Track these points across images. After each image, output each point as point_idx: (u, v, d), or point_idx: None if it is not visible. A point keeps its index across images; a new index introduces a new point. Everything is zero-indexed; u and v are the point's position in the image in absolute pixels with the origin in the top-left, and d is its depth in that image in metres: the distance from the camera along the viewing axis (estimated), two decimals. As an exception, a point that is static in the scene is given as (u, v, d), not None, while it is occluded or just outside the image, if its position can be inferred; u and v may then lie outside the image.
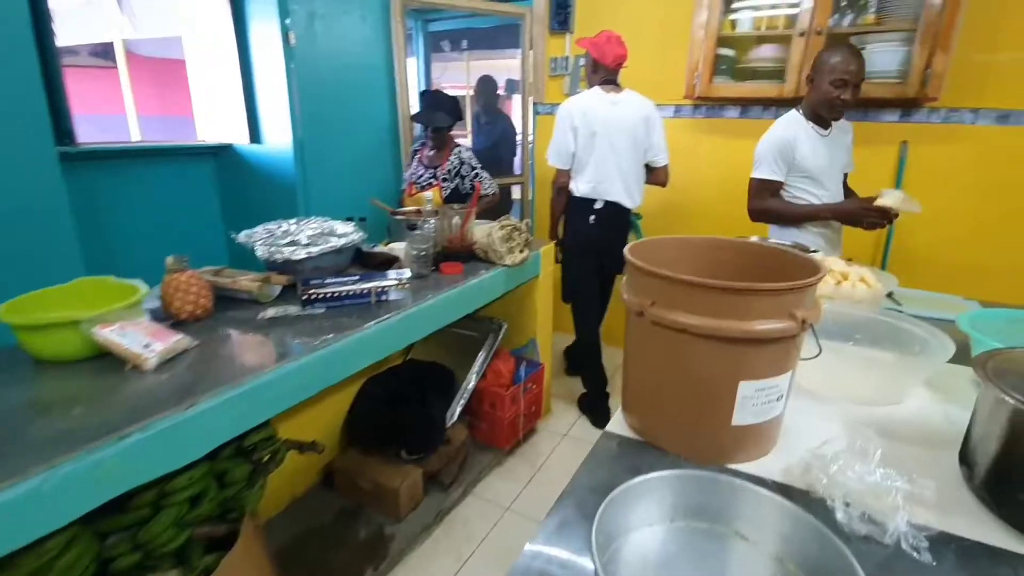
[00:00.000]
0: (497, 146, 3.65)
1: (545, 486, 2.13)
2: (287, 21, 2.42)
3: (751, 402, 0.74)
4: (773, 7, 2.31)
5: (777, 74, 2.30)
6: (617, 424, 0.89)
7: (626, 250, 0.81)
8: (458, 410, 2.05)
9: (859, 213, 1.77)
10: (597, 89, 2.32)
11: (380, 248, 1.92)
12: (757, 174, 1.93)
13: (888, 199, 1.69)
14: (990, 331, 1.04)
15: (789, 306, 0.70)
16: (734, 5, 2.39)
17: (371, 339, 1.41)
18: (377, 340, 1.44)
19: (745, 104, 2.59)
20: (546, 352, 2.46)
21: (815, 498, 0.71)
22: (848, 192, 2.08)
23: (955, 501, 0.71)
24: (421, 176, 2.59)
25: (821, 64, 1.80)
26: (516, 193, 3.58)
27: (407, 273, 1.58)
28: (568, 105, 2.34)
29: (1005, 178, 2.21)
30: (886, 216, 1.73)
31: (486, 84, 3.69)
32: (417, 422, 1.91)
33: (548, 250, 2.31)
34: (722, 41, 2.40)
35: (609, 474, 0.77)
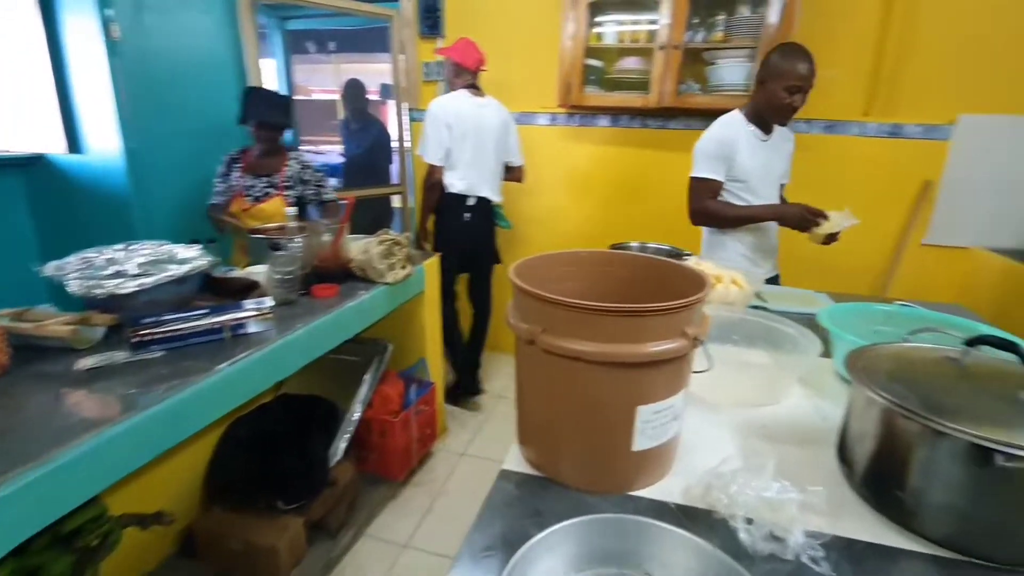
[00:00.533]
0: (371, 153, 3.46)
1: (446, 514, 2.01)
2: (108, 12, 2.06)
3: (650, 426, 0.70)
4: (634, 22, 2.42)
5: (642, 85, 2.41)
6: (514, 460, 0.81)
7: (512, 273, 0.73)
8: (343, 445, 1.86)
9: (801, 216, 1.72)
10: (464, 92, 2.41)
11: (237, 273, 1.68)
12: (696, 172, 1.84)
13: (834, 223, 1.68)
14: (844, 324, 1.12)
15: (681, 324, 0.67)
16: (598, 18, 2.47)
17: (226, 383, 1.20)
18: (235, 383, 1.23)
19: (615, 113, 2.69)
20: (437, 370, 2.34)
21: (718, 518, 0.68)
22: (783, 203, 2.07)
23: (841, 502, 0.72)
24: (252, 187, 2.27)
25: (773, 68, 1.70)
26: (396, 202, 3.43)
27: (269, 301, 1.38)
28: (440, 104, 2.39)
29: (833, 180, 2.51)
30: (833, 238, 1.71)
31: (354, 88, 3.48)
32: (294, 466, 1.70)
33: (432, 264, 2.20)
34: (590, 52, 2.47)
35: (507, 525, 0.68)
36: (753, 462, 0.72)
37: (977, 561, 0.62)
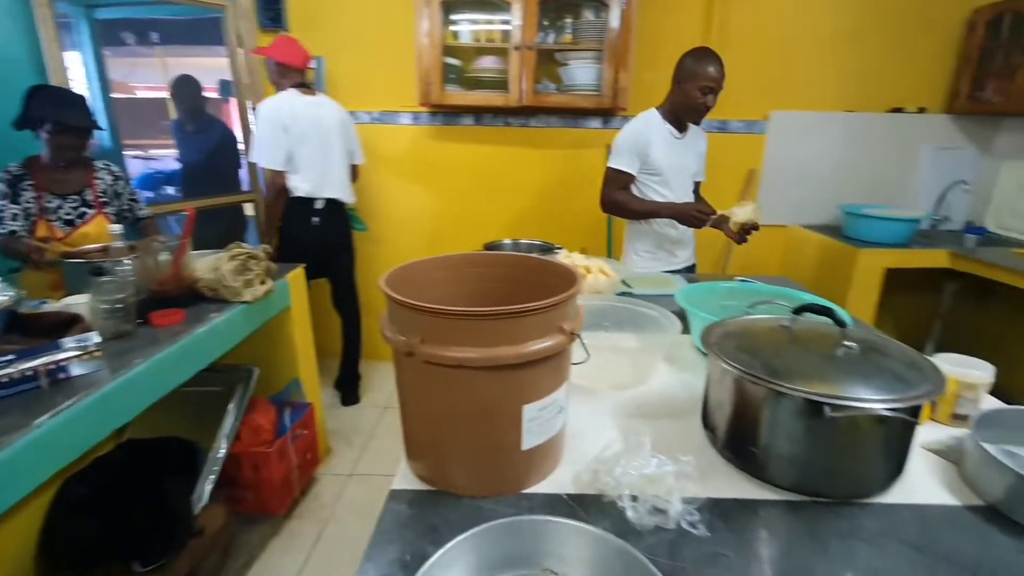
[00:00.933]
0: (215, 158, 3.10)
1: (337, 541, 1.89)
2: None
3: (536, 423, 0.71)
4: (488, 22, 2.46)
5: (501, 84, 2.46)
6: (404, 477, 0.78)
7: (383, 284, 0.70)
8: (208, 488, 1.65)
9: (692, 214, 1.81)
10: (293, 91, 2.29)
11: (52, 307, 1.41)
12: (611, 164, 1.92)
13: (740, 215, 1.79)
14: (697, 303, 1.24)
15: (557, 320, 0.69)
16: (453, 16, 2.47)
17: (50, 439, 1.01)
18: (60, 438, 1.03)
19: (478, 112, 2.71)
20: (313, 389, 2.19)
21: (607, 501, 0.71)
22: (698, 200, 2.18)
23: (709, 466, 0.80)
24: (58, 208, 1.86)
25: (687, 70, 1.81)
26: (250, 210, 3.12)
27: (95, 336, 1.18)
28: (272, 105, 2.25)
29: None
30: (748, 230, 1.81)
31: (186, 85, 3.09)
32: (149, 520, 1.47)
33: (298, 276, 2.04)
34: (447, 50, 2.45)
35: (403, 547, 0.65)
36: (632, 442, 0.76)
37: (819, 499, 0.72)
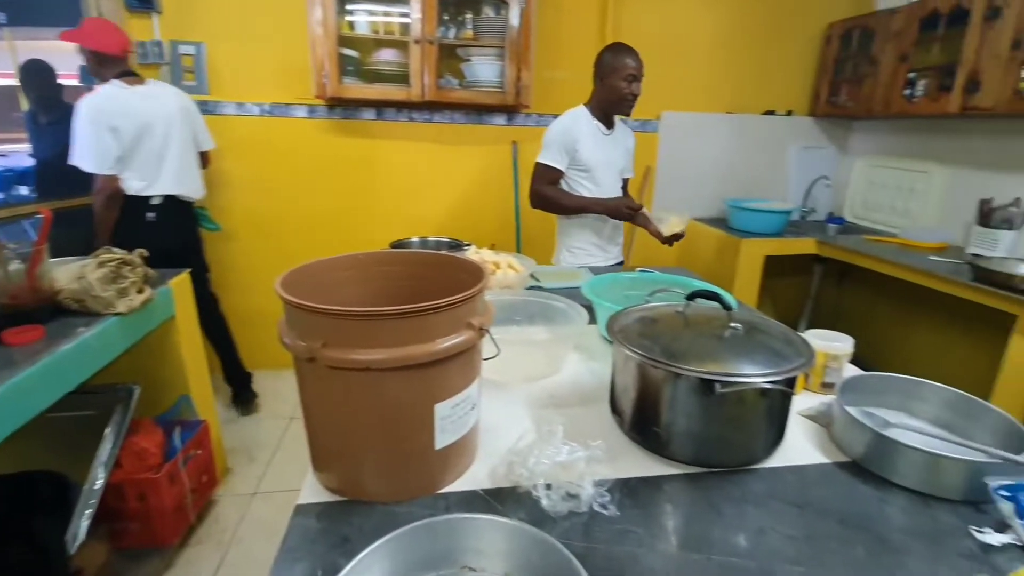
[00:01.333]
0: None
1: (242, 564, 1.76)
2: None
3: (449, 421, 0.70)
4: (386, 13, 2.39)
5: (402, 78, 2.40)
6: (311, 490, 0.74)
7: (278, 286, 0.65)
8: (85, 525, 1.47)
9: (622, 209, 1.90)
10: (118, 83, 2.05)
11: None
12: (541, 159, 1.94)
13: (675, 225, 1.87)
14: (602, 294, 1.29)
15: (466, 316, 0.68)
16: (349, 6, 2.37)
17: None
18: None
19: (379, 106, 2.63)
20: (206, 404, 2.02)
21: (523, 492, 0.72)
22: (625, 196, 2.20)
23: (618, 448, 0.83)
24: None
25: (608, 64, 1.87)
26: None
27: (-74, 363, 1.00)
28: (94, 104, 1.98)
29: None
30: (676, 238, 1.90)
31: (37, 72, 2.70)
32: (19, 565, 1.29)
33: (182, 281, 1.87)
34: (344, 41, 2.35)
35: (313, 563, 0.62)
36: (545, 431, 0.78)
37: (714, 470, 0.78)
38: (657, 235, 1.92)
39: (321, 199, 2.73)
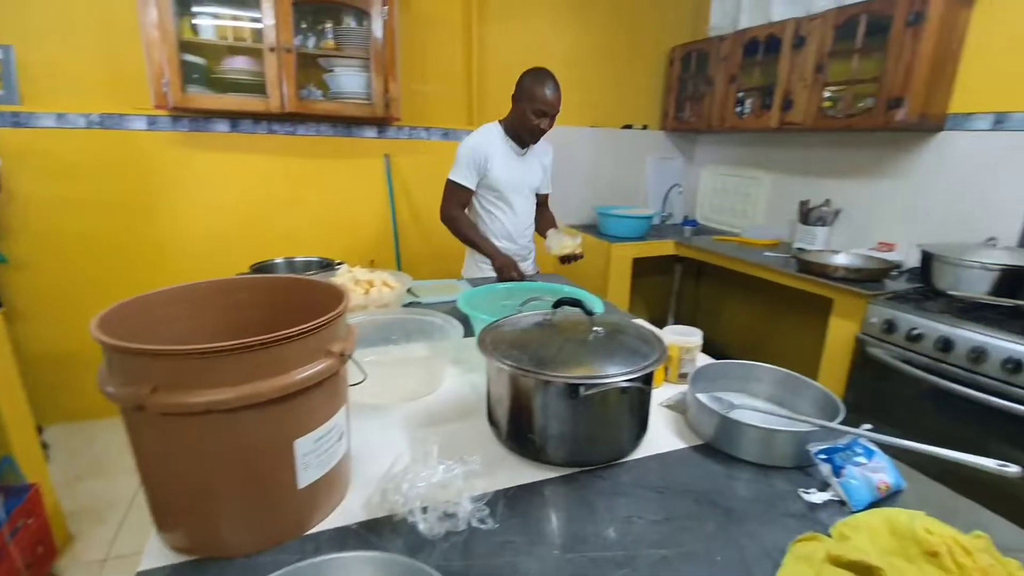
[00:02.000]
0: None
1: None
2: None
3: (313, 456, 0.66)
4: (235, 17, 2.22)
5: (258, 88, 2.24)
6: (157, 554, 0.65)
7: (94, 328, 0.57)
8: None
9: (506, 270, 1.80)
10: None
11: None
12: (451, 176, 1.89)
13: (568, 247, 1.82)
14: (477, 306, 1.30)
15: (324, 343, 0.65)
16: (193, 8, 2.16)
17: None
18: None
19: (234, 117, 2.43)
20: (35, 464, 1.71)
21: (399, 519, 0.70)
22: (544, 214, 2.15)
23: (496, 459, 0.84)
24: None
25: (524, 90, 1.80)
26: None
27: None
28: None
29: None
30: (571, 259, 1.85)
31: None
32: None
33: (-10, 325, 1.57)
34: (186, 47, 2.14)
35: (155, 641, 0.54)
36: (420, 452, 0.76)
37: (587, 468, 0.82)
38: (557, 259, 1.90)
39: (165, 221, 2.43)
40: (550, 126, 1.85)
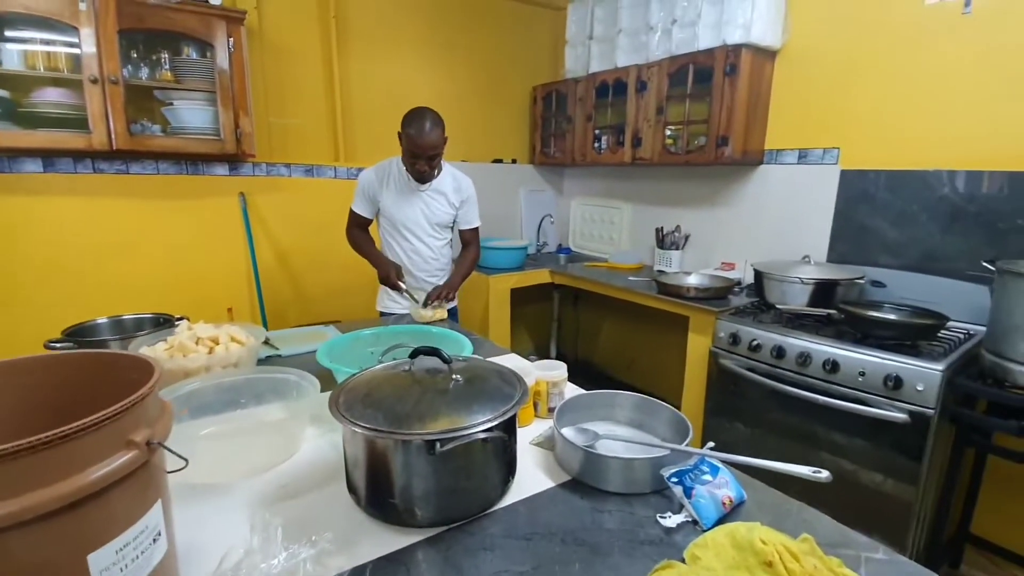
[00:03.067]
0: None
1: None
2: None
3: (116, 569, 0.55)
4: (46, 42, 1.94)
5: (78, 123, 1.97)
6: None
7: None
8: None
9: (385, 275, 1.90)
10: None
11: None
12: (352, 204, 1.99)
13: (427, 316, 1.81)
14: (342, 356, 1.23)
15: (127, 431, 0.55)
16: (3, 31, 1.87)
17: None
18: None
19: (47, 155, 2.10)
20: None
21: (236, 623, 0.61)
22: (465, 253, 2.09)
23: (356, 530, 0.77)
24: None
25: (401, 132, 1.79)
26: None
27: None
28: None
29: (314, 217, 2.75)
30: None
31: None
32: None
33: None
34: (-18, 77, 1.83)
35: None
36: (261, 537, 0.68)
37: (452, 526, 0.78)
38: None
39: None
40: (429, 166, 1.84)
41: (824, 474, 0.74)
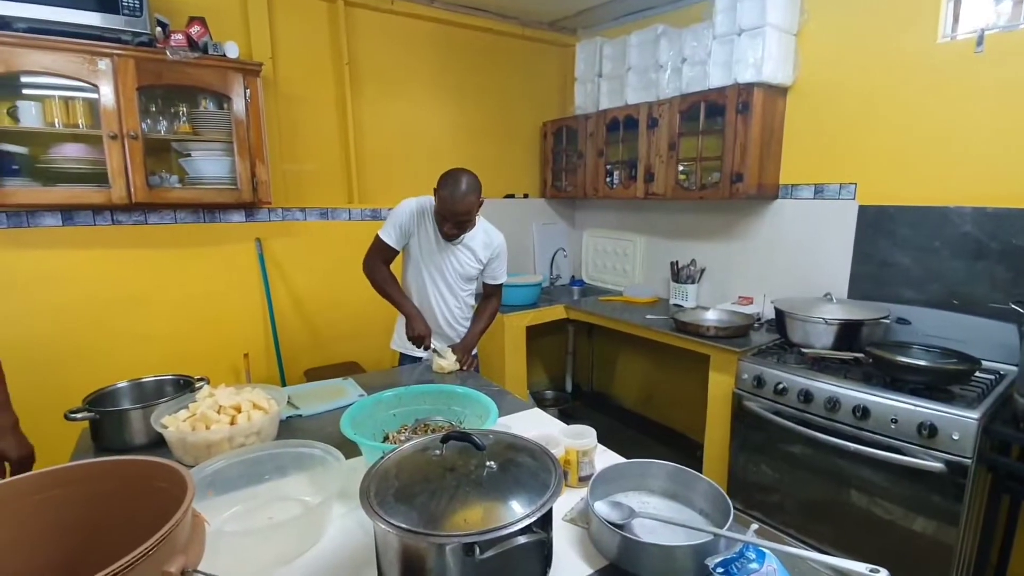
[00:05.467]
0: None
1: None
2: None
3: None
4: (65, 99, 1.97)
5: (98, 177, 1.99)
6: None
7: None
8: None
9: (413, 328, 1.83)
10: None
11: None
12: (380, 231, 1.87)
13: (446, 366, 1.80)
14: (364, 422, 1.21)
15: (162, 562, 0.53)
16: (15, 91, 1.90)
17: None
18: None
19: (66, 210, 2.12)
20: None
21: None
22: (485, 305, 2.05)
23: (388, 635, 0.74)
24: None
25: (436, 191, 1.75)
26: None
27: None
28: None
29: (332, 258, 2.75)
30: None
31: None
32: None
33: None
34: (3, 136, 1.86)
35: None
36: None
37: (490, 629, 0.74)
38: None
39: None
40: (456, 230, 1.77)
41: (883, 573, 0.70)
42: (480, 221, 1.92)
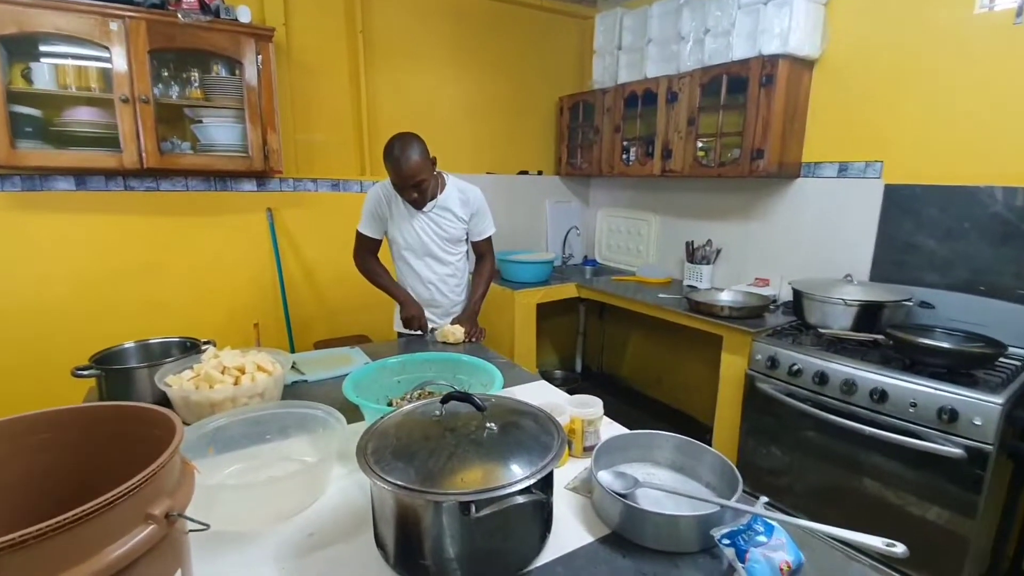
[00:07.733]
0: None
1: None
2: None
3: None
4: (77, 57, 1.96)
5: (109, 141, 1.99)
6: None
7: None
8: None
9: (409, 322, 1.89)
10: None
11: None
12: (359, 225, 1.89)
13: (451, 337, 1.78)
14: (367, 388, 1.19)
15: (146, 504, 0.52)
16: (29, 53, 1.89)
17: None
18: None
19: (79, 174, 2.13)
20: None
21: None
22: (480, 268, 2.03)
23: (383, 592, 0.73)
24: None
25: (383, 159, 1.73)
26: None
27: None
28: None
29: (343, 230, 2.70)
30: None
31: None
32: None
33: None
34: (16, 98, 1.86)
35: None
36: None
37: (486, 590, 0.73)
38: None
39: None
40: (417, 193, 1.75)
41: (900, 548, 0.67)
42: (452, 180, 1.92)
